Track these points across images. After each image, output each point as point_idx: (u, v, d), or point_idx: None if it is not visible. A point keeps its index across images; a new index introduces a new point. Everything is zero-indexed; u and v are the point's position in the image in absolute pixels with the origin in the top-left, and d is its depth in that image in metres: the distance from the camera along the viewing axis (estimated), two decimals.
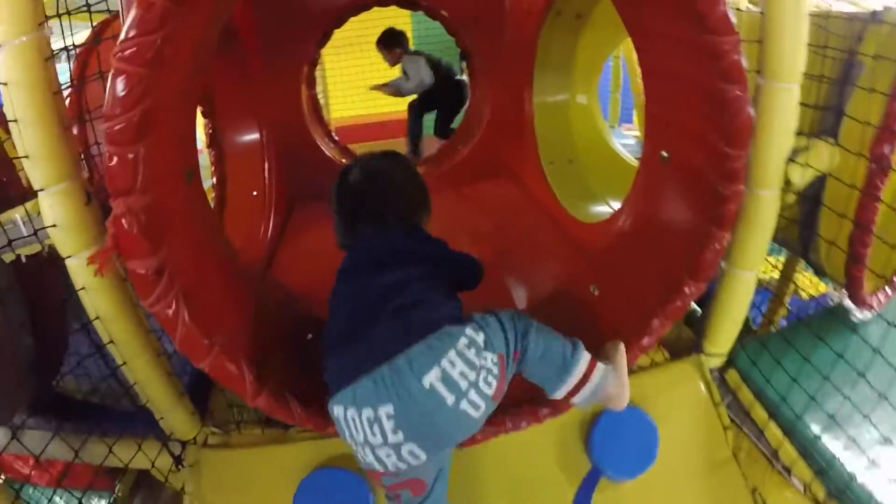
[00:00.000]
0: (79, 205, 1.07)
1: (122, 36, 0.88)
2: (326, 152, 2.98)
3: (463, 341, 0.95)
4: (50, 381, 1.38)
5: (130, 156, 0.91)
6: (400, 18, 4.36)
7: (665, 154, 1.34)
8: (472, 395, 0.94)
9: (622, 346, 1.21)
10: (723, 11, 1.01)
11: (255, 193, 2.56)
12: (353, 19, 2.87)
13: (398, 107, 4.72)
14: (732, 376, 1.51)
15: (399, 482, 1.05)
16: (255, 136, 2.59)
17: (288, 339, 1.46)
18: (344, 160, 3.02)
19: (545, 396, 1.13)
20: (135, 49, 0.87)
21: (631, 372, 1.24)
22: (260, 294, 1.53)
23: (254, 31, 2.54)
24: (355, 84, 4.80)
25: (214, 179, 2.56)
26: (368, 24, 4.37)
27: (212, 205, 2.53)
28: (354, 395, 0.95)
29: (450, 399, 0.93)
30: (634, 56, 5.31)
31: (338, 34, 2.94)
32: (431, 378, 0.92)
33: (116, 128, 0.89)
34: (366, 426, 0.94)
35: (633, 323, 1.32)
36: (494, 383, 0.98)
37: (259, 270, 2.18)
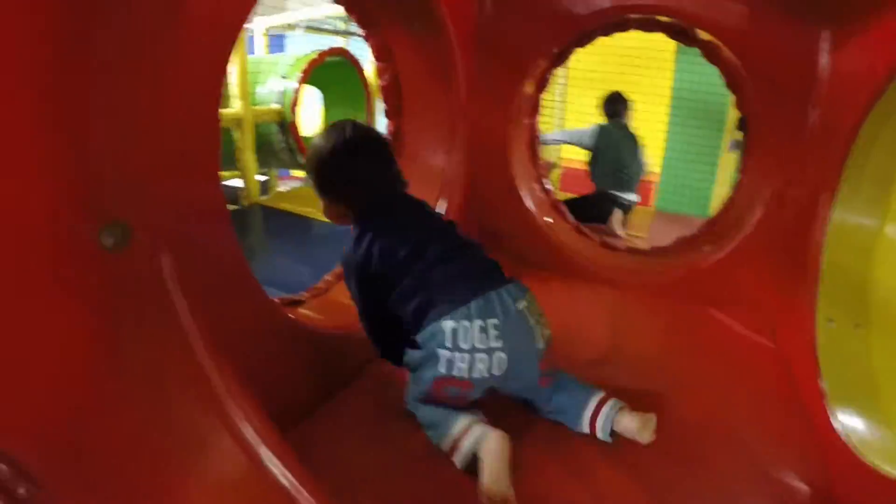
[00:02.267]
0: None
1: None
2: (528, 204, 2.31)
3: (529, 295, 1.32)
4: None
5: None
6: (662, 55, 3.58)
7: None
8: (541, 327, 1.30)
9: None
10: None
11: None
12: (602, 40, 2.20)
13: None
14: None
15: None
16: (438, 154, 2.04)
17: None
18: (547, 218, 2.37)
19: None
20: None
21: None
22: None
23: (470, 16, 1.98)
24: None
25: None
26: (616, 50, 3.68)
27: None
28: (469, 311, 1.23)
29: (531, 320, 1.28)
30: None
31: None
32: (521, 304, 1.28)
33: None
34: (476, 333, 1.22)
35: None
36: (548, 333, 1.32)
37: None
